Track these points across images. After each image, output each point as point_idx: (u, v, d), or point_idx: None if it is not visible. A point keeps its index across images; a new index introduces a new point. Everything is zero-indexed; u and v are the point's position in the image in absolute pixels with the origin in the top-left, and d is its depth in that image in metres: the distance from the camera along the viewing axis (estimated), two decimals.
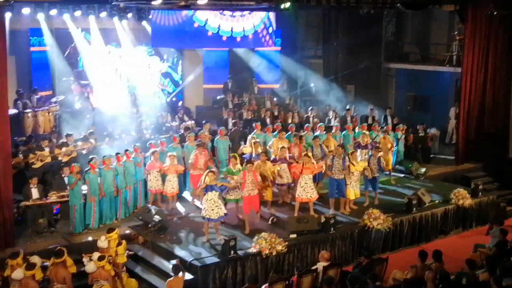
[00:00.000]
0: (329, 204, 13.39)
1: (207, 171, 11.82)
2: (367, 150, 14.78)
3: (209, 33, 17.46)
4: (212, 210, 11.43)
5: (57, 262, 9.52)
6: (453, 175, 17.08)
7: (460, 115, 17.73)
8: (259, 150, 13.93)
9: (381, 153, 14.18)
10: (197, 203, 13.59)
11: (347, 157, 13.13)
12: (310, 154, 13.21)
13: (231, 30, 18.11)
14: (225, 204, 12.23)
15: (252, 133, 15.62)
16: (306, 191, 12.67)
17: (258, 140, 14.50)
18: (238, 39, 18.42)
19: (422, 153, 17.78)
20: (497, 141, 17.78)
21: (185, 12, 16.83)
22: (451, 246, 12.92)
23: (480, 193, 14.76)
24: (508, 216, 14.64)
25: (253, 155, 13.81)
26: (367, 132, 15.91)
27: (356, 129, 16.68)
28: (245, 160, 13.31)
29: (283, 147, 13.72)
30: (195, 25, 17.14)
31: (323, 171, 13.55)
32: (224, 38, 18.16)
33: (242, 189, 12.13)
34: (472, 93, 17.44)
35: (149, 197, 13.70)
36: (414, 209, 13.45)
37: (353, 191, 13.24)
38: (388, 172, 15.62)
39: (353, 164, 13.03)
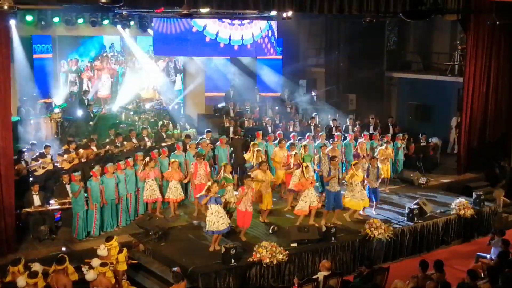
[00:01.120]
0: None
1: (210, 183, 11.67)
2: (364, 160, 14.72)
3: (221, 45, 17.54)
4: (217, 221, 11.32)
5: (58, 269, 9.54)
6: (455, 185, 17.01)
7: (462, 125, 17.68)
8: (260, 159, 13.90)
9: (378, 162, 14.22)
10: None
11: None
12: (306, 164, 13.11)
13: (242, 38, 18.19)
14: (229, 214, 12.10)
15: (254, 141, 15.61)
16: (306, 202, 12.73)
17: (260, 148, 14.47)
18: (249, 46, 18.52)
19: (423, 163, 17.73)
20: (499, 151, 17.76)
21: (195, 28, 16.90)
22: (452, 256, 12.89)
23: (482, 203, 14.72)
24: (510, 227, 14.56)
25: (254, 164, 13.79)
26: (365, 142, 15.88)
27: (358, 138, 16.66)
28: (246, 170, 13.26)
29: (296, 153, 13.81)
30: (207, 39, 17.21)
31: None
32: (235, 47, 18.27)
33: (237, 204, 11.98)
34: (474, 103, 17.42)
35: (148, 206, 13.63)
36: (416, 218, 13.42)
37: (355, 201, 13.19)
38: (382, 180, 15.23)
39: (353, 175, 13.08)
